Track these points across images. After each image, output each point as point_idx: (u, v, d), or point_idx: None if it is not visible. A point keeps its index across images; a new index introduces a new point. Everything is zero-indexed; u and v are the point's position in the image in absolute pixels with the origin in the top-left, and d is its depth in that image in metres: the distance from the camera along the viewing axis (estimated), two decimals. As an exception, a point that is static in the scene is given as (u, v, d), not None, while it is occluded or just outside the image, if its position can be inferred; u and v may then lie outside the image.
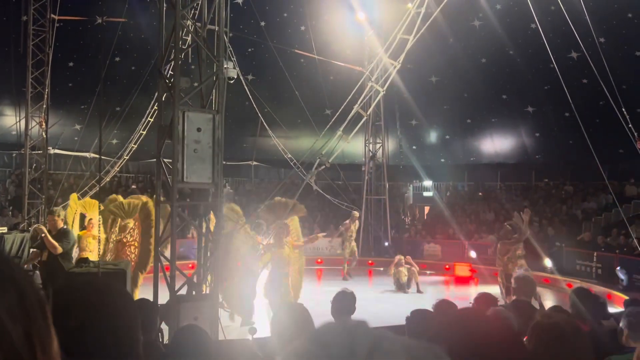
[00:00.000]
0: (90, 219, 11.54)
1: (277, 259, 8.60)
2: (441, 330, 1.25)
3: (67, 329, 1.07)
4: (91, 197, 16.56)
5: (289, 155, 19.70)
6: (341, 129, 11.27)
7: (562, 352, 1.98)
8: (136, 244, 11.25)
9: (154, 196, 7.21)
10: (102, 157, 15.54)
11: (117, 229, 11.53)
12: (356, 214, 16.04)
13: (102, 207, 9.95)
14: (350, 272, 15.35)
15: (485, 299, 5.03)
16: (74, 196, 11.95)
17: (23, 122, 15.33)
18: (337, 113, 11.33)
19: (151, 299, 6.11)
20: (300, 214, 9.82)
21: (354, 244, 15.45)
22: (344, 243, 15.49)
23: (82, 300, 1.16)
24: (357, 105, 11.50)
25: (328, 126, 12.07)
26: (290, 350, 0.57)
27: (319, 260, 17.23)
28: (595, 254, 14.85)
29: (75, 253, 11.32)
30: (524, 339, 2.81)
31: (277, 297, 8.40)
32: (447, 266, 16.99)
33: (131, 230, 11.56)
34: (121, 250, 11.21)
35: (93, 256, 10.86)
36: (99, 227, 9.06)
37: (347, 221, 15.54)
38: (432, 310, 4.44)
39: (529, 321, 4.11)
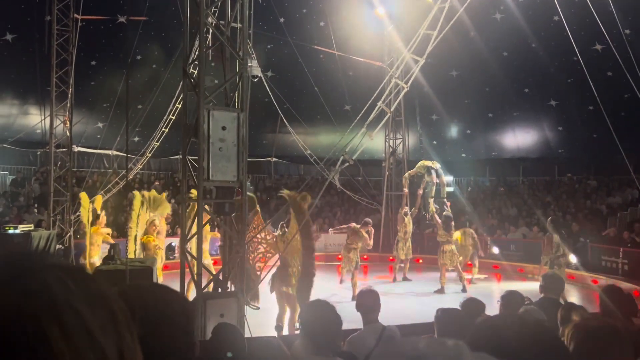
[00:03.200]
0: (100, 215, 11.79)
1: (285, 252, 8.54)
2: (477, 338, 1.23)
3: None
4: (115, 194, 16.86)
5: (309, 151, 19.72)
6: (365, 125, 11.20)
7: (603, 354, 1.95)
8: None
9: (178, 194, 7.31)
10: (125, 154, 15.75)
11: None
12: (406, 208, 15.24)
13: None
14: (407, 275, 14.98)
15: (513, 297, 5.00)
16: (83, 195, 12.17)
17: (48, 120, 15.56)
18: (363, 111, 11.30)
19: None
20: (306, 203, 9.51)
21: (409, 243, 14.92)
22: (398, 243, 14.93)
23: (145, 307, 1.17)
24: (380, 102, 11.43)
25: (353, 124, 12.04)
26: None
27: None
28: (621, 250, 14.62)
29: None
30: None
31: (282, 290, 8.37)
32: (469, 262, 16.87)
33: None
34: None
35: (99, 250, 11.16)
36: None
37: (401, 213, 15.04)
38: (459, 309, 4.42)
39: (556, 319, 4.08)
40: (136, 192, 11.54)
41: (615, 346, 1.99)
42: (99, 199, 12.99)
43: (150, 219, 11.27)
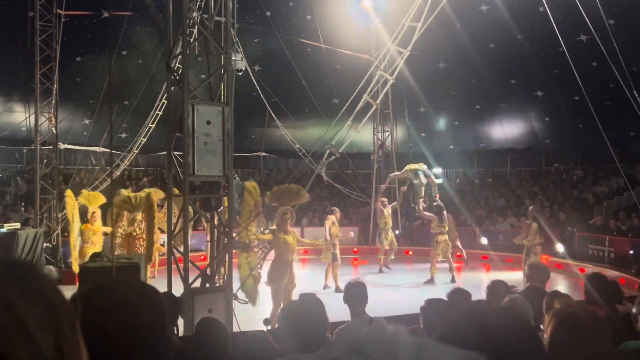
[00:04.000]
0: (94, 212, 11.66)
1: (281, 246, 8.44)
2: (453, 326, 1.24)
3: (105, 332, 1.09)
4: (102, 190, 16.73)
5: (298, 146, 19.69)
6: (351, 118, 11.21)
7: (580, 341, 1.98)
8: (144, 237, 11.38)
9: (166, 189, 7.28)
10: (112, 151, 15.63)
11: (124, 222, 11.66)
12: (384, 198, 15.42)
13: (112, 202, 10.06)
14: (389, 265, 15.11)
15: (499, 287, 5.04)
16: (69, 192, 12.05)
17: (32, 118, 15.39)
18: (347, 103, 11.30)
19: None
20: (303, 200, 9.67)
21: (391, 233, 15.00)
22: (380, 234, 15.03)
23: (119, 303, 1.16)
24: (366, 94, 11.44)
25: (338, 116, 12.03)
26: (329, 357, 0.57)
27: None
28: (607, 238, 14.77)
29: (77, 246, 11.50)
30: (541, 326, 2.80)
31: (279, 285, 8.30)
32: (458, 253, 16.99)
33: (139, 223, 11.70)
34: (132, 244, 11.35)
35: (96, 249, 11.01)
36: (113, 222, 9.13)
37: (379, 205, 15.15)
38: (446, 299, 4.45)
39: (541, 307, 4.12)
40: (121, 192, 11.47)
41: (592, 332, 2.01)
42: (97, 196, 12.79)
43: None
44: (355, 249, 18.18)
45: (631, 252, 13.57)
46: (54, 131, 15.17)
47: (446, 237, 13.45)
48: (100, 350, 1.10)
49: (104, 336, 1.10)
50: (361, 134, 17.11)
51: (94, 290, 1.23)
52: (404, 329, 0.59)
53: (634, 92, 11.92)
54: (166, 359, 1.26)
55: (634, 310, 3.63)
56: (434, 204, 14.13)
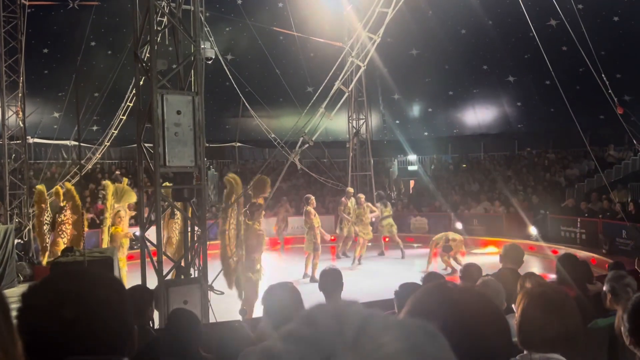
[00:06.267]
0: (119, 211, 11.33)
1: (257, 238, 8.29)
2: (420, 300, 1.22)
3: (61, 321, 1.07)
4: (74, 185, 16.43)
5: (273, 135, 19.58)
6: (323, 106, 11.15)
7: (550, 319, 1.99)
8: (68, 224, 11.64)
9: (137, 181, 7.16)
10: (83, 144, 15.34)
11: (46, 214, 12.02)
12: (350, 190, 15.65)
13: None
14: (347, 252, 15.29)
15: (472, 270, 5.09)
16: (68, 185, 12.03)
17: (-1, 111, 15.02)
18: (319, 91, 11.22)
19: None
20: (267, 192, 9.38)
21: (350, 225, 15.09)
22: (342, 222, 15.20)
23: (75, 291, 1.15)
24: (338, 82, 11.40)
25: (310, 104, 11.96)
26: (283, 332, 0.57)
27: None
28: (579, 220, 15.06)
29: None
30: (513, 307, 2.82)
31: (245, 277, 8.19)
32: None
33: (65, 211, 11.91)
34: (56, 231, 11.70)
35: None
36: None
37: (343, 199, 15.28)
38: (420, 283, 4.48)
39: (515, 288, 4.17)
40: (108, 182, 11.40)
41: (562, 311, 2.03)
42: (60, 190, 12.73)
43: (116, 210, 11.05)
44: (332, 237, 18.20)
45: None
46: (22, 125, 14.83)
47: (390, 220, 13.83)
48: (57, 338, 1.09)
49: (60, 324, 1.09)
50: (336, 123, 17.10)
51: (51, 280, 1.21)
52: (357, 303, 0.59)
53: (603, 75, 12.09)
54: (129, 347, 1.24)
55: (604, 288, 3.70)
56: (375, 193, 15.33)
